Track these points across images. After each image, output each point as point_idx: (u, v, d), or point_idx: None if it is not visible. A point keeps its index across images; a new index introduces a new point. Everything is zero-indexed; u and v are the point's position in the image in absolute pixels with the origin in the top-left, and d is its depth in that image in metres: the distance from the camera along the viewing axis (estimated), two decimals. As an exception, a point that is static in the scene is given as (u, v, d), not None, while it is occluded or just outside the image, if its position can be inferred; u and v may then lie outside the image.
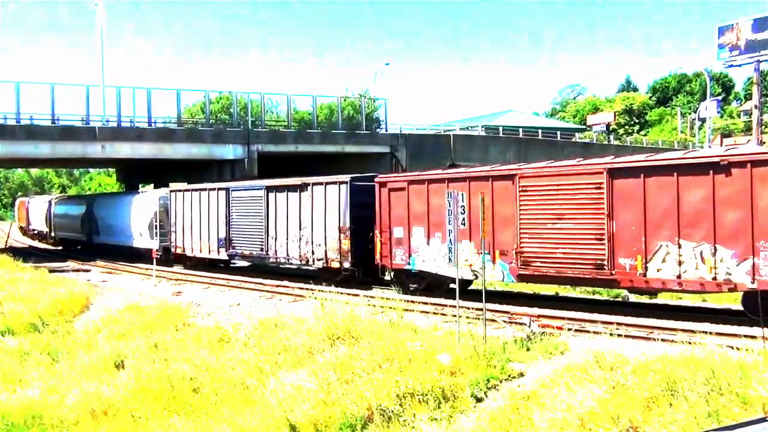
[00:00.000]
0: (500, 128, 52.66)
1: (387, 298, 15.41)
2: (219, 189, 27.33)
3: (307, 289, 20.62)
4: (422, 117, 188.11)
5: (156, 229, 30.64)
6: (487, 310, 12.91)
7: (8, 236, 52.34)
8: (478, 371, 10.96)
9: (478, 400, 10.62)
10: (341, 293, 17.31)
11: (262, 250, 24.57)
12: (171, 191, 30.64)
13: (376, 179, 20.45)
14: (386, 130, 43.90)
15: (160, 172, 43.51)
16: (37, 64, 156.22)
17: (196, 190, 28.92)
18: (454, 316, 12.76)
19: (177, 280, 26.01)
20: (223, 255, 27.11)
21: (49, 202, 49.44)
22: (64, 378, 15.97)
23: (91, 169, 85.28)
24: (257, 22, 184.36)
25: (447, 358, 11.41)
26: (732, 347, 10.33)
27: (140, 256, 32.15)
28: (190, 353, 15.32)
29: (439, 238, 17.68)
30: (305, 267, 23.49)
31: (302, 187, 23.06)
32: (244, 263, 28.58)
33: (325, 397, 11.50)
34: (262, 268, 26.94)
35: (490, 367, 11.03)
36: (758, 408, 8.32)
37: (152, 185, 46.41)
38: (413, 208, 19.08)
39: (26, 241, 55.17)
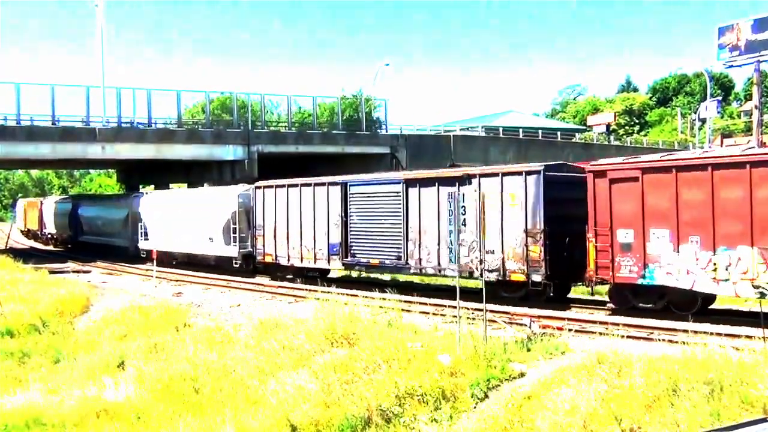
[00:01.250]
0: (500, 129, 52.68)
1: (386, 299, 15.37)
2: (330, 184, 22.22)
3: (307, 290, 20.62)
4: (422, 117, 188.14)
5: (234, 233, 25.74)
6: (488, 310, 12.90)
7: (8, 237, 52.36)
8: (479, 372, 10.96)
9: (479, 400, 10.62)
10: (341, 294, 17.29)
11: (398, 258, 19.67)
12: (256, 187, 25.35)
13: (589, 168, 16.09)
14: (386, 131, 43.92)
15: (160, 173, 43.54)
16: (38, 66, 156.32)
17: (295, 185, 23.72)
18: (454, 316, 12.76)
19: (177, 281, 26.00)
20: (337, 264, 22.18)
21: (74, 203, 43.69)
22: (64, 379, 15.97)
23: (91, 170, 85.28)
24: (257, 23, 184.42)
25: (447, 359, 11.41)
26: (732, 347, 10.33)
27: (213, 266, 27.79)
28: (190, 354, 15.33)
29: (697, 243, 13.90)
30: (465, 278, 17.65)
31: (463, 180, 18.17)
32: (370, 275, 23.69)
33: (325, 398, 11.50)
34: (394, 281, 22.32)
35: (491, 368, 11.03)
36: (759, 408, 8.32)
37: (153, 186, 46.44)
38: (650, 203, 14.74)
39: (26, 242, 55.18)
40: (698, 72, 69.19)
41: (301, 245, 23.04)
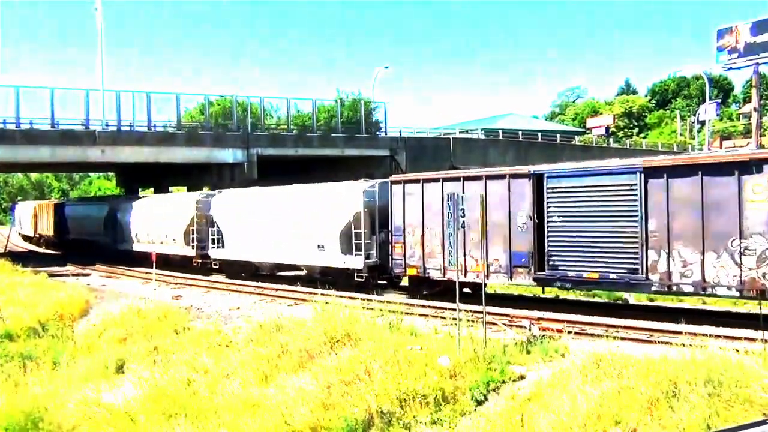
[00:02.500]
0: (500, 131, 52.67)
1: (386, 302, 15.39)
2: (513, 176, 17.59)
3: (308, 292, 20.60)
4: (422, 120, 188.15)
5: (358, 239, 20.93)
6: (487, 313, 12.90)
7: (8, 240, 52.30)
8: (479, 374, 10.96)
9: (479, 402, 10.62)
10: (341, 296, 17.28)
11: (633, 271, 15.10)
12: (393, 182, 20.50)
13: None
14: (386, 134, 43.93)
15: (159, 176, 43.52)
16: (37, 69, 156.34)
17: (454, 179, 18.71)
18: (454, 319, 12.75)
19: (177, 284, 25.98)
20: (525, 279, 17.16)
21: (110, 205, 37.61)
22: (64, 382, 15.96)
23: (90, 173, 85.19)
24: (257, 26, 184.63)
25: (446, 361, 11.41)
26: (732, 349, 10.33)
27: (313, 280, 23.28)
28: (190, 357, 15.31)
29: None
30: (747, 297, 14.17)
31: (749, 167, 13.57)
32: (579, 293, 19.45)
33: (325, 401, 11.49)
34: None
35: (491, 370, 11.03)
36: (759, 409, 8.31)
37: (152, 189, 46.42)
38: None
39: (25, 245, 55.11)
40: (697, 74, 69.21)
41: (464, 254, 17.52)
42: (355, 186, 22.04)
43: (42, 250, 50.69)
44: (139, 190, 47.13)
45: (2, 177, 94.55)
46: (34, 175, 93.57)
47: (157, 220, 31.41)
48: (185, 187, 42.77)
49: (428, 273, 19.02)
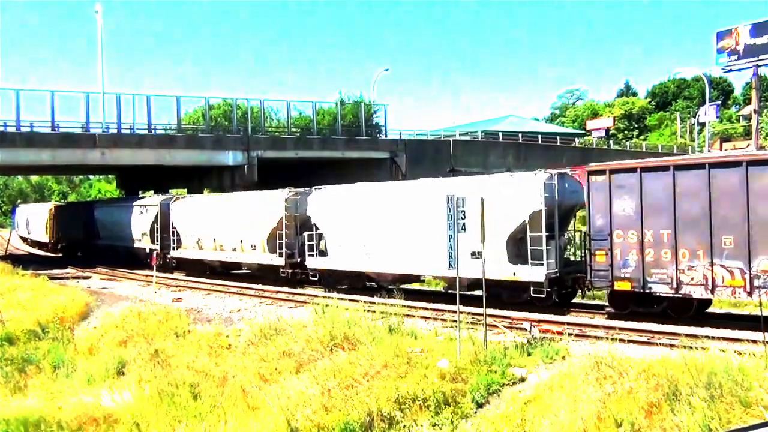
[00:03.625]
0: (500, 134, 52.66)
1: (387, 304, 15.38)
2: None
3: (308, 295, 20.60)
4: (422, 123, 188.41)
5: (535, 245, 16.52)
6: (488, 315, 12.89)
7: (8, 243, 52.30)
8: (479, 376, 10.95)
9: (479, 405, 10.61)
10: (342, 299, 17.28)
11: None
12: (591, 172, 16.01)
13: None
14: (386, 136, 43.92)
15: (160, 179, 43.53)
16: (38, 72, 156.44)
17: (690, 165, 14.66)
18: (455, 321, 12.74)
19: (177, 286, 25.96)
20: None
21: (161, 206, 31.38)
22: (64, 385, 15.94)
23: (90, 176, 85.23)
24: (257, 28, 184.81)
25: (446, 364, 11.40)
26: (733, 351, 10.32)
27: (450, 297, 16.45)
28: (190, 360, 15.30)
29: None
30: None
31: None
32: None
33: (325, 403, 11.48)
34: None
35: (491, 372, 11.02)
36: (760, 411, 8.30)
37: (152, 192, 46.44)
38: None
39: (25, 248, 55.09)
40: (697, 76, 69.22)
41: (711, 263, 13.73)
42: (532, 178, 17.20)
43: (42, 253, 50.59)
44: (139, 192, 47.12)
45: (2, 180, 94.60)
46: (34, 178, 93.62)
47: (229, 222, 26.61)
48: (185, 190, 42.77)
49: (649, 287, 14.73)
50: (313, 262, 22.45)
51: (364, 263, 20.93)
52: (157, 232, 31.11)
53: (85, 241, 41.70)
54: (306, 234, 22.77)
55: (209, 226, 27.77)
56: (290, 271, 23.77)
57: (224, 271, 27.99)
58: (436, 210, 16.65)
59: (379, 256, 20.34)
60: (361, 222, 21.06)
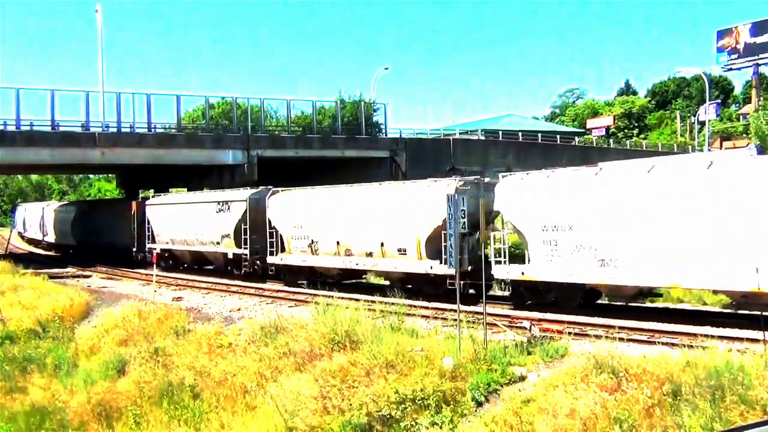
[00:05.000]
0: (500, 132, 52.66)
1: (387, 303, 15.40)
2: None
3: (308, 294, 20.59)
4: (422, 121, 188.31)
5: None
6: (488, 314, 12.89)
7: (8, 242, 52.32)
8: (479, 375, 10.95)
9: (479, 404, 10.61)
10: (342, 298, 17.28)
11: None
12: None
13: None
14: (386, 135, 43.91)
15: (160, 178, 43.52)
16: (37, 70, 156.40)
17: None
18: (455, 320, 12.74)
19: (177, 285, 25.97)
20: None
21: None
22: (65, 384, 15.96)
23: (90, 175, 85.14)
24: (257, 26, 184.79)
25: (450, 362, 11.41)
26: (733, 350, 10.33)
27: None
28: (190, 359, 15.31)
29: None
30: None
31: None
32: None
33: (325, 403, 11.48)
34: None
35: (491, 371, 11.02)
36: (760, 410, 8.30)
37: (152, 191, 46.44)
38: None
39: (26, 247, 55.11)
40: (697, 75, 69.16)
41: None
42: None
43: (43, 252, 50.54)
44: (139, 191, 47.11)
45: (2, 179, 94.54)
46: (34, 177, 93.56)
47: (360, 221, 21.21)
48: (185, 189, 42.76)
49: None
50: (504, 271, 17.15)
51: (597, 273, 15.27)
52: (245, 234, 25.18)
53: (131, 247, 33.88)
54: (495, 234, 17.64)
55: (328, 226, 22.11)
56: (462, 282, 16.48)
57: (340, 280, 22.44)
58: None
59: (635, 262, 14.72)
60: (601, 217, 15.32)
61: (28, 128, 32.98)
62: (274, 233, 24.11)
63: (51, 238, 49.70)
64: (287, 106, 42.09)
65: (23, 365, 17.39)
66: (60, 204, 56.72)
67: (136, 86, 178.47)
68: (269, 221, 24.30)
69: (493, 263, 17.33)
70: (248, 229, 25.17)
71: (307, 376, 12.54)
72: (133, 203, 34.86)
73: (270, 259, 24.27)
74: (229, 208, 26.47)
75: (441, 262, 18.27)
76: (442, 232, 17.64)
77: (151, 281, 25.01)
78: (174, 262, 31.13)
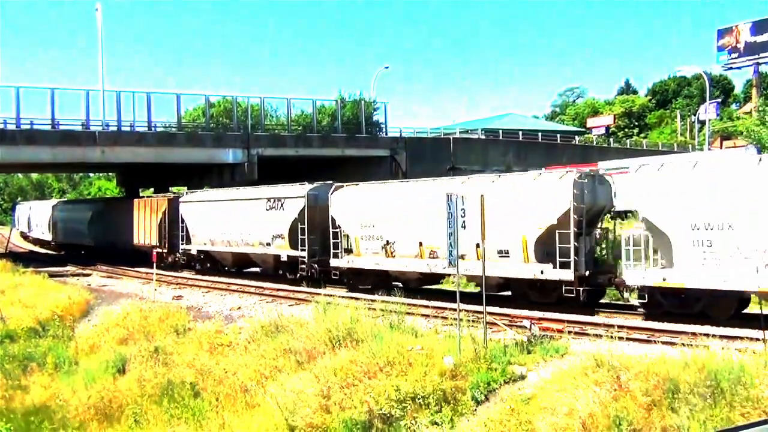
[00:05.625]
0: (500, 131, 52.64)
1: (387, 302, 15.40)
2: None
3: (309, 293, 20.59)
4: (422, 120, 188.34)
5: None
6: (488, 313, 12.90)
7: (8, 241, 52.33)
8: (479, 374, 10.96)
9: (479, 403, 10.62)
10: (343, 297, 17.29)
11: None
12: None
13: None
14: (386, 134, 43.92)
15: (160, 177, 43.52)
16: (38, 69, 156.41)
17: None
18: (455, 319, 12.75)
19: (177, 284, 25.98)
20: None
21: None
22: (65, 383, 15.97)
23: (90, 174, 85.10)
24: (257, 27, 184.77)
25: (451, 361, 11.42)
26: (733, 349, 10.33)
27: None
28: (191, 358, 15.32)
29: None
30: None
31: None
32: None
33: (325, 402, 11.49)
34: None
35: (491, 370, 11.03)
36: (760, 410, 8.31)
37: (152, 189, 46.43)
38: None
39: (27, 246, 55.08)
40: (697, 74, 69.11)
41: None
42: (559, 180, 16.48)
43: (42, 251, 50.52)
44: (139, 190, 47.09)
45: (2, 177, 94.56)
46: (34, 176, 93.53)
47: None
48: (185, 188, 42.78)
49: None
50: (639, 276, 15.10)
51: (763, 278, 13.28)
52: (302, 234, 22.74)
53: (168, 251, 30.96)
54: (631, 234, 15.42)
55: (408, 225, 19.45)
56: (579, 289, 15.91)
57: (418, 286, 20.31)
58: None
59: None
60: None
61: (28, 127, 32.99)
62: (339, 233, 21.66)
63: (62, 238, 46.38)
64: (287, 105, 42.11)
65: (23, 364, 17.38)
66: (70, 201, 55.48)
67: (136, 85, 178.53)
68: (332, 220, 21.80)
69: (624, 267, 15.41)
70: (306, 229, 22.72)
71: (308, 375, 12.55)
72: (165, 200, 31.54)
73: (334, 262, 21.59)
74: (282, 206, 24.04)
75: (555, 266, 16.06)
76: (557, 231, 15.83)
77: (151, 280, 25.03)
78: (212, 264, 28.37)
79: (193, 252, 28.64)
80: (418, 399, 10.70)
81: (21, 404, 14.86)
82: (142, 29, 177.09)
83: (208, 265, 28.47)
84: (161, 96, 37.59)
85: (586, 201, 16.00)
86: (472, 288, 18.89)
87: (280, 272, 24.34)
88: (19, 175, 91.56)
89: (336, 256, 21.57)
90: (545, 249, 16.37)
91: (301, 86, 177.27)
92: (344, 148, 39.81)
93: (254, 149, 36.46)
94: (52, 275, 28.42)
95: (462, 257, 16.97)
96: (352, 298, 17.69)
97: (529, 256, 16.64)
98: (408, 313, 15.23)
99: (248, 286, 23.84)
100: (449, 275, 19.25)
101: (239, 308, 19.75)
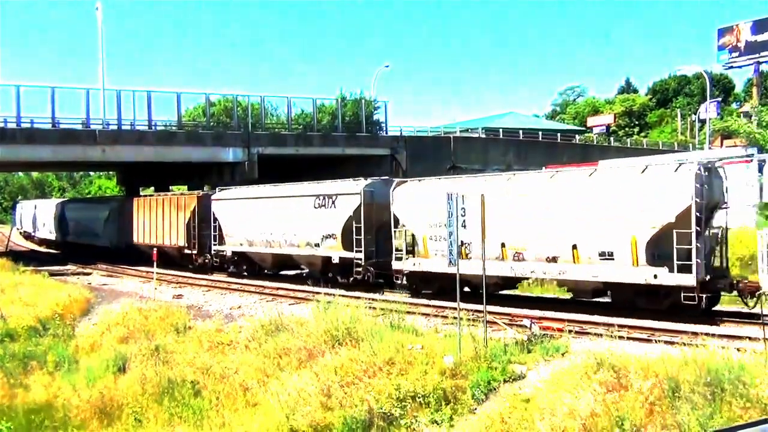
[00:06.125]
0: (500, 130, 52.63)
1: (388, 301, 15.42)
2: None
3: (309, 291, 20.60)
4: (422, 119, 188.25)
5: None
6: (488, 312, 12.90)
7: (8, 240, 52.33)
8: (479, 373, 10.97)
9: (479, 402, 10.63)
10: (343, 295, 17.29)
11: None
12: None
13: None
14: (386, 133, 43.93)
15: (160, 176, 43.53)
16: (38, 68, 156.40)
17: None
18: (455, 318, 12.76)
19: (178, 283, 25.98)
20: None
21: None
22: (66, 382, 15.97)
23: (91, 173, 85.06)
24: (257, 25, 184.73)
25: (451, 360, 11.42)
26: (733, 348, 10.33)
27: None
28: (191, 356, 15.33)
29: None
30: None
31: None
32: None
33: (326, 401, 11.50)
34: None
35: (491, 369, 11.03)
36: (760, 409, 8.31)
37: (152, 188, 46.40)
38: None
39: (27, 245, 55.07)
40: (698, 73, 69.07)
41: None
42: (676, 173, 14.92)
43: (43, 249, 50.50)
44: (140, 189, 47.06)
45: (2, 176, 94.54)
46: (34, 175, 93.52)
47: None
48: (185, 187, 42.76)
49: None
50: None
51: None
52: (358, 234, 20.90)
53: (191, 248, 28.88)
54: None
55: (487, 224, 14.78)
56: (701, 295, 14.25)
57: (496, 291, 17.61)
58: None
59: None
60: None
61: (28, 125, 33.00)
62: (402, 233, 19.84)
63: (73, 238, 43.24)
64: (288, 103, 42.11)
65: (24, 363, 17.38)
66: (81, 199, 52.49)
67: (136, 84, 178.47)
68: (395, 218, 19.97)
69: (761, 271, 14.17)
70: (362, 228, 20.87)
71: (308, 373, 12.55)
72: (194, 197, 28.96)
73: (396, 265, 19.63)
74: (334, 204, 22.01)
75: (672, 269, 14.32)
76: (675, 231, 14.14)
77: (152, 278, 25.04)
78: (248, 266, 26.18)
79: (227, 253, 26.53)
80: (418, 398, 10.71)
81: (22, 403, 14.86)
82: (143, 28, 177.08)
83: (244, 267, 26.31)
84: (161, 95, 37.57)
85: (705, 196, 14.42)
86: (563, 293, 17.62)
87: (330, 275, 22.16)
88: (20, 173, 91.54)
89: (398, 258, 19.59)
90: (657, 251, 14.77)
91: (302, 85, 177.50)
92: (344, 146, 39.82)
93: (254, 148, 36.47)
94: (52, 274, 28.43)
95: (554, 260, 16.09)
96: (353, 297, 17.69)
97: (639, 258, 14.84)
98: (408, 312, 15.24)
99: (248, 285, 23.83)
100: (541, 279, 17.77)
101: (239, 307, 19.76)
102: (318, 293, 18.22)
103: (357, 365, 11.97)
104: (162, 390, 14.03)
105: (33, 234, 54.71)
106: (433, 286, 18.98)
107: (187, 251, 28.30)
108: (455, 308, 12.88)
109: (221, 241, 26.90)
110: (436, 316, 16.06)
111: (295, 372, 12.98)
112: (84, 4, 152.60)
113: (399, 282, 19.70)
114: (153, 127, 35.87)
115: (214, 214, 27.32)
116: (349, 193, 21.74)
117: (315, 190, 23.31)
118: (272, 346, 14.23)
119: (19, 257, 35.07)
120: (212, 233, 27.22)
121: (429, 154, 41.21)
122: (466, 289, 17.02)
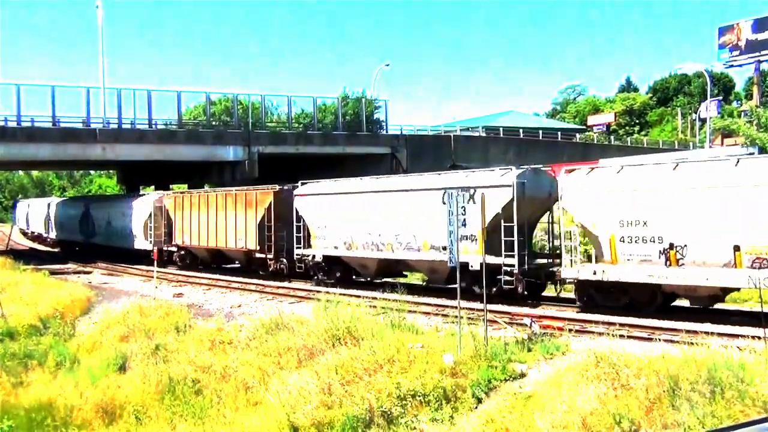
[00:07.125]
0: (501, 129, 52.63)
1: (388, 299, 15.42)
2: None
3: (309, 290, 20.59)
4: (422, 118, 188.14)
5: None
6: (488, 311, 12.91)
7: (9, 238, 52.34)
8: (480, 372, 10.97)
9: (480, 400, 10.63)
10: (343, 294, 17.29)
11: None
12: None
13: None
14: (387, 132, 43.93)
15: (161, 174, 43.54)
16: (38, 67, 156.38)
17: None
18: (456, 317, 12.76)
19: (178, 282, 25.98)
20: None
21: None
22: (67, 381, 15.97)
23: (91, 171, 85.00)
24: (258, 23, 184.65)
25: (450, 358, 11.43)
26: (733, 347, 10.33)
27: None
28: (191, 355, 15.33)
29: None
30: None
31: None
32: None
33: (326, 399, 11.50)
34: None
35: (492, 368, 11.04)
36: (760, 407, 8.31)
37: (153, 187, 46.37)
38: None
39: (27, 243, 55.07)
40: (698, 72, 69.03)
41: None
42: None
43: (42, 248, 50.47)
44: (140, 188, 47.02)
45: (3, 175, 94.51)
46: (35, 173, 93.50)
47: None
48: (185, 185, 42.75)
49: None
50: None
51: None
52: (508, 234, 16.93)
53: (265, 252, 24.73)
54: None
55: (709, 221, 13.86)
56: None
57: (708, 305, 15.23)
58: None
59: None
60: None
61: (29, 124, 33.02)
62: (572, 233, 16.41)
63: (101, 240, 37.73)
64: (288, 102, 42.14)
65: (24, 361, 17.38)
66: (107, 197, 46.39)
67: (136, 83, 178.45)
68: (567, 215, 16.73)
69: None
70: (514, 228, 16.98)
71: (309, 372, 12.56)
72: (270, 193, 24.67)
73: (568, 273, 16.21)
74: (472, 198, 16.02)
75: None
76: None
77: (152, 277, 25.04)
78: (343, 272, 22.07)
79: (317, 258, 22.34)
80: (419, 396, 10.71)
81: (23, 401, 14.86)
82: (143, 27, 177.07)
83: (338, 274, 22.06)
84: (162, 93, 37.61)
85: None
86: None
87: (464, 285, 14.56)
88: (20, 172, 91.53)
89: (571, 263, 16.21)
90: None
91: (302, 85, 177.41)
92: (345, 145, 39.81)
93: (255, 147, 36.46)
94: (52, 273, 28.43)
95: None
96: (353, 295, 17.69)
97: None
98: (409, 311, 15.24)
99: (248, 284, 23.82)
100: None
101: (240, 306, 19.77)
102: (319, 291, 18.21)
103: (357, 364, 11.98)
104: (163, 389, 14.03)
105: (47, 236, 50.10)
106: (619, 299, 15.62)
107: (259, 255, 24.74)
108: (455, 307, 12.88)
109: (307, 244, 23.00)
110: (436, 314, 16.07)
111: (295, 370, 12.99)
112: (84, 3, 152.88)
113: (558, 292, 17.43)
114: (153, 126, 35.89)
115: (297, 212, 23.16)
116: (496, 186, 17.43)
117: (443, 183, 18.69)
118: (273, 344, 14.24)
119: (19, 256, 35.07)
120: (297, 234, 23.06)
121: (429, 152, 41.19)
122: (679, 302, 14.86)
